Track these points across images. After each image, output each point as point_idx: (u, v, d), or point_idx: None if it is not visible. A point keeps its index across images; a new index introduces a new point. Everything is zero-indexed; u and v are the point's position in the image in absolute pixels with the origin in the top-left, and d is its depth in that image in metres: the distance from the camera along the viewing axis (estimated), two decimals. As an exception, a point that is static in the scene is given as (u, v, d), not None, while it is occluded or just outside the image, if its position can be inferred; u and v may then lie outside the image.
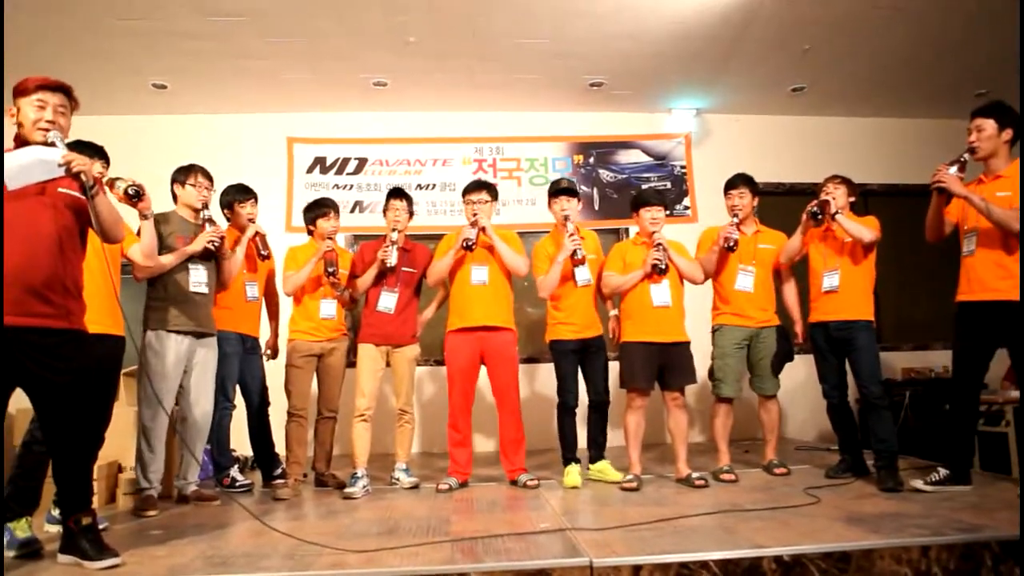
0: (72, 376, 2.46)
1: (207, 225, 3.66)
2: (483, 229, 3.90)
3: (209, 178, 3.81)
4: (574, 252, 3.86)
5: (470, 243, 3.86)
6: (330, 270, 3.96)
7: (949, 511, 2.88)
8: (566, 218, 3.94)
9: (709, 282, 4.22)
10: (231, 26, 4.65)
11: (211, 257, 3.71)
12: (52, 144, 2.46)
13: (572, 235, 3.88)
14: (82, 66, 5.07)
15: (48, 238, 2.47)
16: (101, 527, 3.00)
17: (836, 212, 3.74)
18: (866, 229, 3.69)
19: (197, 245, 3.62)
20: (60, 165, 2.41)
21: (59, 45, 4.78)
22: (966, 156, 3.25)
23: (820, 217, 3.78)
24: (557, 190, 4.09)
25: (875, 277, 3.83)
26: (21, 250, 2.37)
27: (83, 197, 2.55)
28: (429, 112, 6.20)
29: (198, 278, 3.65)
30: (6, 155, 2.37)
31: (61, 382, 2.43)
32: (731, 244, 3.98)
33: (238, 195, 4.16)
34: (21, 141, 2.50)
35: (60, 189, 2.51)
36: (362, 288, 4.08)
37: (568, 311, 4.01)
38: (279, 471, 4.17)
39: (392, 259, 3.93)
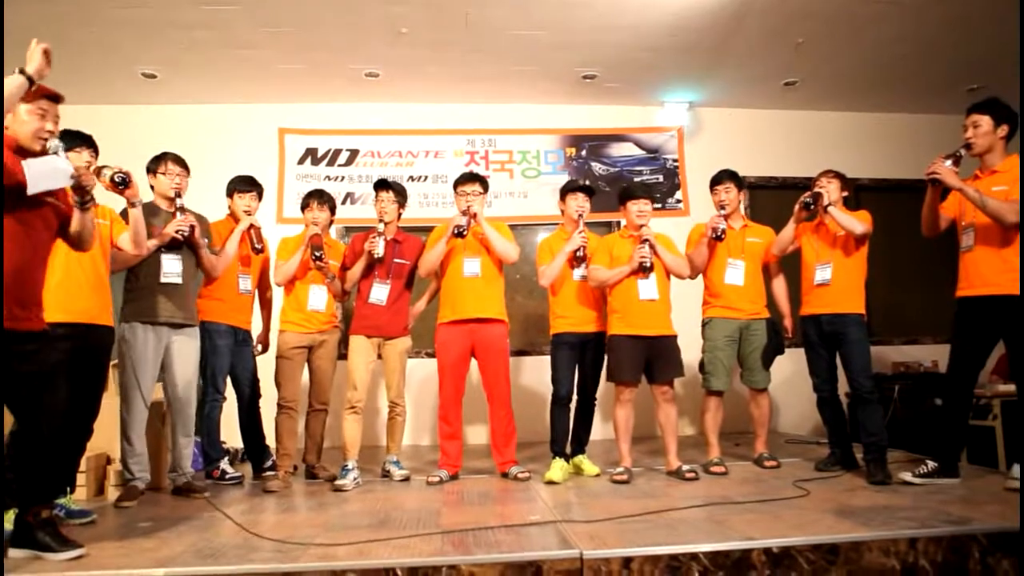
0: (39, 372, 2.48)
1: (178, 214, 3.63)
2: (474, 216, 3.89)
3: (182, 165, 3.77)
4: (579, 249, 3.89)
5: (462, 230, 3.85)
6: (316, 254, 3.92)
7: (937, 504, 2.90)
8: (580, 216, 3.98)
9: (699, 276, 4.24)
10: (223, 15, 4.60)
11: (183, 246, 3.66)
12: (55, 153, 2.50)
13: (582, 232, 3.94)
14: (72, 55, 5.01)
15: (40, 248, 2.55)
16: (89, 519, 3.02)
17: (829, 204, 3.76)
18: (858, 222, 3.71)
19: (166, 233, 3.58)
20: (72, 176, 2.50)
21: (50, 34, 4.69)
22: (962, 151, 3.27)
23: (812, 207, 3.81)
24: (576, 187, 4.12)
25: (867, 271, 3.85)
26: (16, 259, 2.40)
27: (63, 207, 2.62)
28: (421, 104, 6.17)
29: (171, 268, 3.62)
30: (30, 161, 2.42)
31: (31, 378, 2.46)
32: (718, 233, 3.99)
33: (239, 186, 4.14)
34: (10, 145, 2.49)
35: (48, 200, 2.53)
36: (352, 279, 4.06)
37: (564, 305, 4.03)
38: (269, 463, 4.16)
39: (379, 249, 3.91)
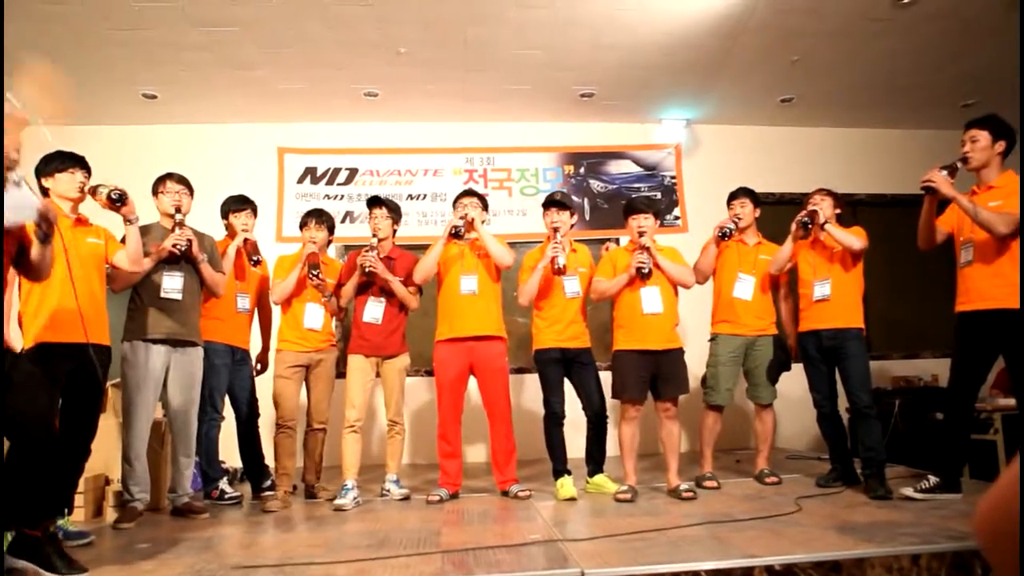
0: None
1: (176, 229, 3.63)
2: (471, 221, 3.90)
3: (183, 183, 3.80)
4: (553, 260, 3.81)
5: (458, 230, 3.86)
6: (314, 272, 3.93)
7: (939, 519, 2.88)
8: (555, 230, 3.93)
9: (708, 291, 4.26)
10: (223, 36, 4.65)
11: (181, 261, 3.66)
12: (18, 184, 2.49)
13: (555, 244, 3.85)
14: (73, 76, 5.06)
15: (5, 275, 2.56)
16: (87, 540, 3.00)
17: (825, 222, 3.78)
18: (855, 238, 3.73)
19: (163, 247, 3.59)
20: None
21: (50, 54, 4.76)
22: (958, 164, 3.31)
23: (809, 227, 3.82)
24: (549, 202, 4.08)
25: (863, 285, 3.86)
26: None
27: (23, 236, 2.61)
28: (420, 122, 6.21)
29: (172, 284, 3.62)
30: (6, 195, 2.41)
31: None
32: (724, 231, 4.01)
33: (233, 205, 4.17)
34: None
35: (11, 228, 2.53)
36: (346, 296, 4.06)
37: (551, 319, 3.98)
38: (268, 483, 4.14)
39: (369, 261, 3.89)
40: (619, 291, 3.86)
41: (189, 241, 3.62)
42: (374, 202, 4.13)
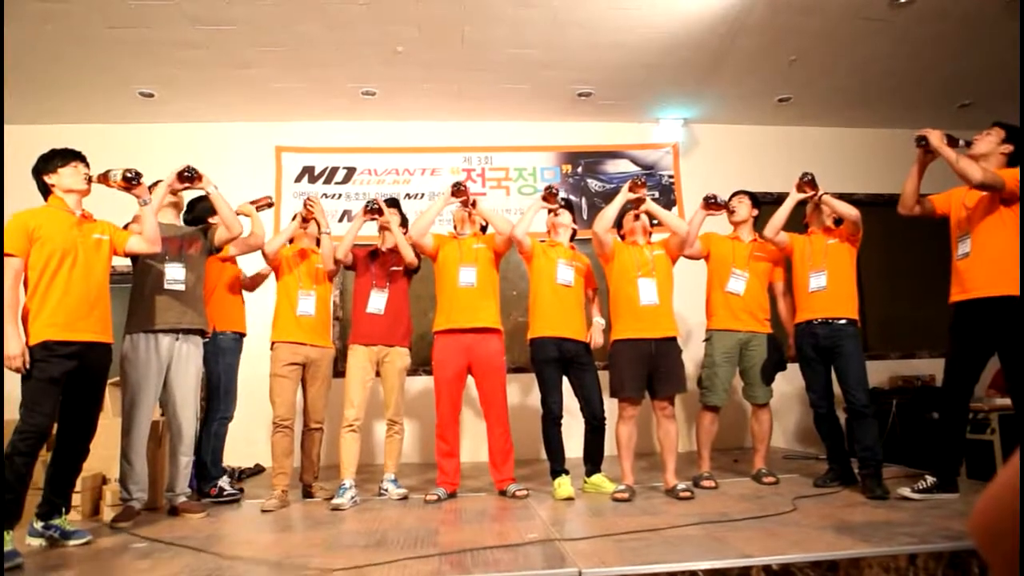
0: None
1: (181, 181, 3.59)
2: (474, 203, 4.00)
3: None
4: (549, 188, 3.99)
5: (460, 185, 3.96)
6: (308, 207, 4.09)
7: (937, 519, 2.89)
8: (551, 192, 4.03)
9: (702, 289, 4.29)
10: (220, 35, 4.64)
11: (182, 256, 3.66)
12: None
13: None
14: (69, 74, 5.06)
15: None
16: (84, 540, 2.99)
17: (824, 193, 3.87)
18: (852, 208, 3.80)
19: (172, 180, 3.56)
20: None
21: (48, 53, 4.76)
22: (961, 141, 3.36)
23: (808, 179, 3.91)
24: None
25: (856, 277, 3.91)
26: None
27: None
28: (418, 121, 6.21)
29: (174, 275, 3.62)
30: None
31: None
32: (713, 199, 4.01)
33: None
34: None
35: None
36: (345, 243, 4.04)
37: (545, 308, 3.99)
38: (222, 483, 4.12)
39: (375, 200, 4.01)
40: (619, 286, 3.87)
41: (193, 169, 3.56)
42: (393, 203, 4.25)
